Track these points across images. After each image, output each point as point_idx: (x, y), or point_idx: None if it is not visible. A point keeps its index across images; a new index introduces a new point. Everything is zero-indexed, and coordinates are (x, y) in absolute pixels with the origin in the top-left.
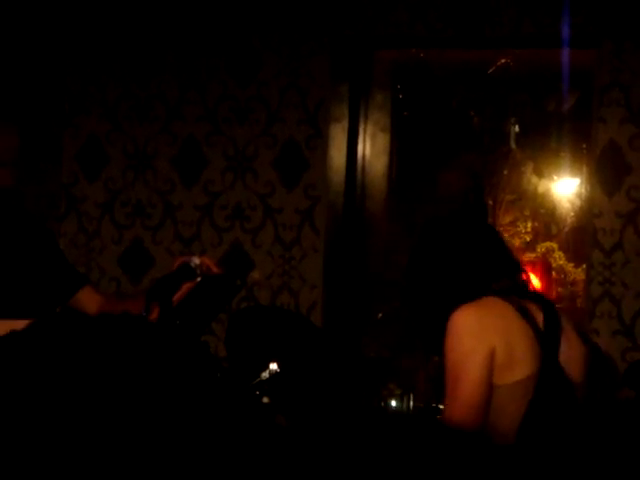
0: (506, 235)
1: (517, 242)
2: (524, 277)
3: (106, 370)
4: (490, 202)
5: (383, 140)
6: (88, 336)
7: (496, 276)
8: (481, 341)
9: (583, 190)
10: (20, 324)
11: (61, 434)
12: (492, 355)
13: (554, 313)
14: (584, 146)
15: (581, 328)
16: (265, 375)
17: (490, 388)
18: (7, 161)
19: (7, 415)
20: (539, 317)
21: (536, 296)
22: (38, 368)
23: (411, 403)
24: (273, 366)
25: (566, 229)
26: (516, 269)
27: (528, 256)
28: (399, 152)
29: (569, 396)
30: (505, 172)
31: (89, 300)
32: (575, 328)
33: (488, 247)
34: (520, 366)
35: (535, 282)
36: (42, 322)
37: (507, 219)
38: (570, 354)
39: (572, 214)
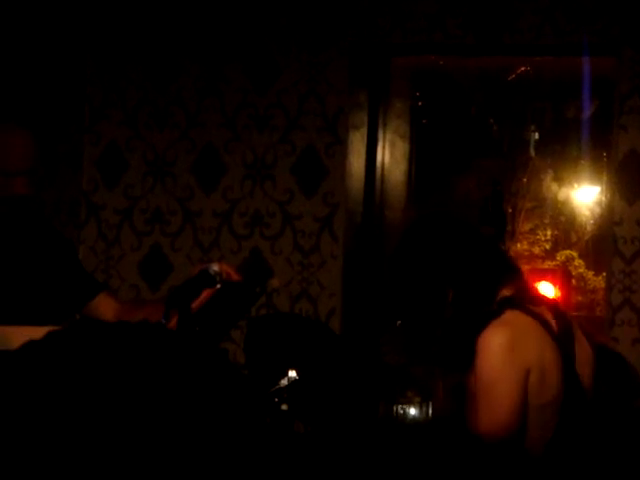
0: (525, 243)
1: (537, 250)
2: (525, 279)
3: (123, 378)
4: (510, 210)
5: (402, 147)
6: (105, 344)
7: (500, 279)
8: (516, 362)
9: (603, 198)
10: (37, 331)
11: (78, 442)
12: (527, 376)
13: (564, 318)
14: (604, 154)
15: (589, 330)
16: (284, 382)
17: (524, 409)
18: (23, 169)
19: (23, 423)
20: (553, 325)
21: (543, 300)
22: (55, 377)
23: (430, 411)
24: (292, 373)
25: (586, 237)
26: (515, 270)
27: (548, 264)
28: (418, 159)
29: (586, 408)
30: (525, 180)
31: (106, 307)
32: (582, 330)
33: (483, 251)
34: (550, 386)
35: (552, 290)
36: (59, 331)
37: (527, 227)
38: (582, 360)
39: (592, 222)
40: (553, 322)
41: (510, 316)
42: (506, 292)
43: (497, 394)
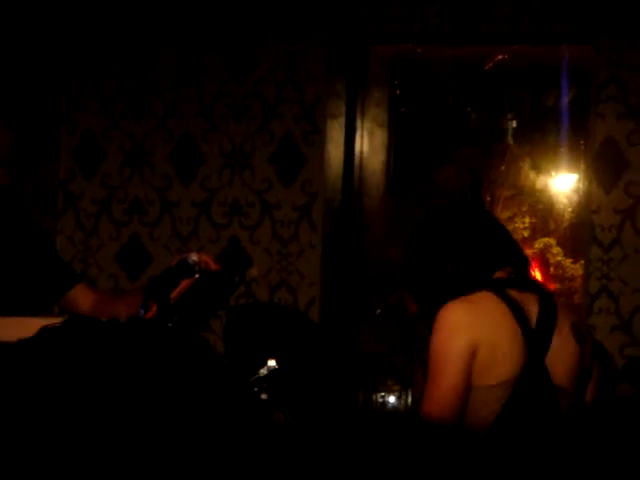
0: None
1: (515, 238)
2: (526, 267)
3: (107, 370)
4: (488, 198)
5: (380, 136)
6: (95, 340)
7: (499, 264)
8: (464, 338)
9: (581, 186)
10: (14, 322)
11: (66, 430)
12: (474, 354)
13: (551, 307)
14: (582, 142)
15: (586, 326)
16: (263, 372)
17: (468, 387)
18: (2, 161)
19: (15, 418)
20: (534, 313)
21: (536, 287)
22: (40, 374)
23: (409, 399)
24: (271, 363)
25: (564, 225)
26: (520, 257)
27: (526, 252)
28: (396, 148)
29: (549, 402)
30: (503, 168)
31: (83, 297)
32: (573, 325)
33: (489, 234)
34: (499, 370)
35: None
36: (52, 328)
37: (505, 215)
38: (560, 355)
39: (570, 210)
40: (534, 310)
41: (476, 295)
42: (500, 275)
43: (439, 367)
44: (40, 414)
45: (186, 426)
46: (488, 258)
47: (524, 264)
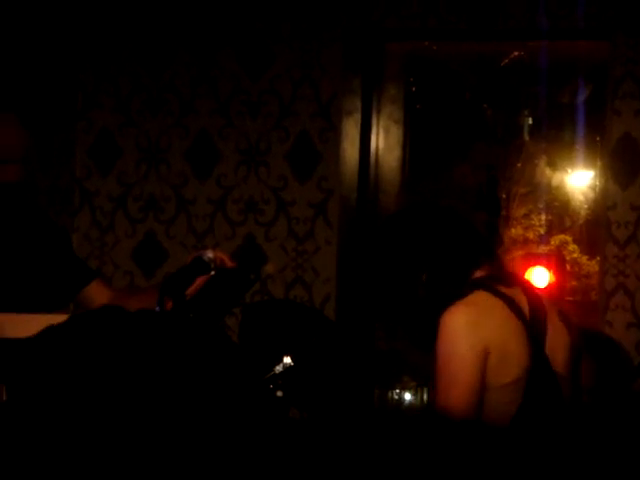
0: (520, 228)
1: (531, 235)
2: (501, 260)
3: (119, 366)
4: (504, 195)
5: (396, 133)
6: (117, 331)
7: (475, 261)
8: (474, 342)
9: (597, 182)
10: (32, 318)
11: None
12: (486, 355)
13: (538, 300)
14: (598, 138)
15: (567, 312)
16: (279, 369)
17: (482, 390)
18: (12, 158)
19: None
20: (524, 305)
21: (518, 281)
22: (71, 364)
23: (425, 396)
24: (287, 360)
25: (580, 222)
26: (491, 252)
27: (542, 249)
28: (412, 145)
29: (555, 392)
30: (519, 165)
31: (99, 294)
32: (559, 314)
33: (460, 231)
34: (513, 366)
35: (546, 275)
36: (79, 316)
37: (521, 212)
38: (555, 344)
39: (586, 207)
40: (525, 304)
41: (475, 296)
42: (479, 274)
43: (453, 372)
44: (46, 410)
45: (198, 421)
46: (464, 259)
47: (496, 258)
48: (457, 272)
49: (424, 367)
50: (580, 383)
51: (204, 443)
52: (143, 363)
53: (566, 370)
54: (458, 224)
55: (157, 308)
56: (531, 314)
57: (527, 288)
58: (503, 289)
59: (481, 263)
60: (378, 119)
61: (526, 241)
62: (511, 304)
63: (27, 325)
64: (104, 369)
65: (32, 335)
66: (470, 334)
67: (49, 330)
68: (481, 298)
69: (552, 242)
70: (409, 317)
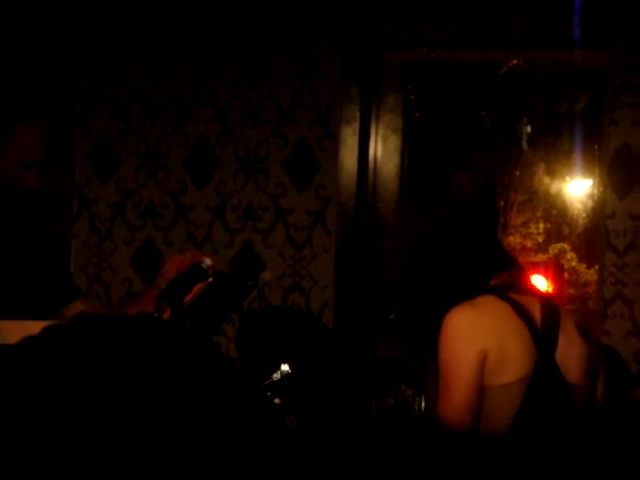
0: (518, 236)
1: (529, 243)
2: (521, 272)
3: (117, 372)
4: (502, 203)
5: (394, 141)
6: (103, 338)
7: (492, 271)
8: (473, 342)
9: (595, 191)
10: (17, 325)
11: (73, 436)
12: (484, 357)
13: (553, 309)
14: (596, 147)
15: (588, 326)
16: (276, 376)
17: (481, 390)
18: (36, 160)
19: (22, 420)
20: (537, 314)
21: (534, 292)
22: (53, 372)
23: (422, 404)
24: (284, 367)
25: (578, 230)
26: (512, 263)
27: (540, 257)
28: (410, 153)
29: (564, 398)
30: (517, 173)
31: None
32: (577, 326)
33: (481, 243)
34: (512, 369)
35: (544, 283)
36: (56, 326)
37: (519, 220)
38: (568, 353)
39: (584, 215)
40: (537, 311)
41: (480, 299)
42: (494, 282)
43: (453, 370)
44: (43, 414)
45: (196, 429)
46: (482, 266)
47: (516, 268)
48: (473, 281)
49: (421, 374)
50: (595, 395)
51: (196, 451)
52: (128, 371)
53: (581, 380)
54: (476, 237)
55: (155, 315)
56: (542, 322)
57: (543, 298)
58: (514, 296)
59: (497, 273)
60: (377, 127)
61: (524, 249)
62: (519, 309)
63: (16, 331)
64: (85, 378)
65: (11, 344)
66: (469, 335)
67: (27, 341)
68: (486, 300)
69: (550, 250)
70: (424, 323)
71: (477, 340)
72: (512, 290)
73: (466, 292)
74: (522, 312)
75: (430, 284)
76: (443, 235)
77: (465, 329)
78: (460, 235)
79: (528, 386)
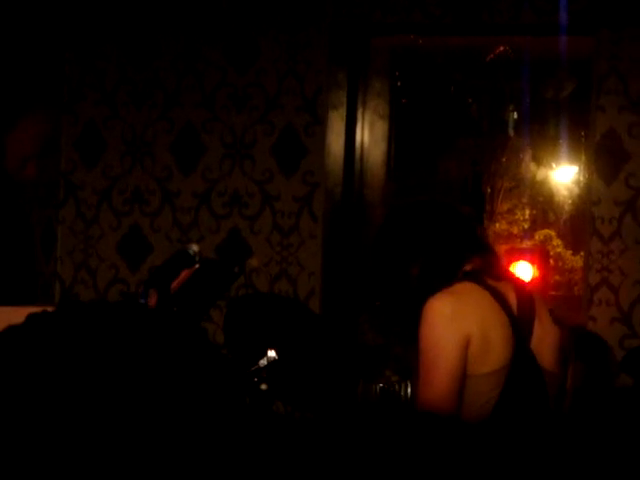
0: (504, 222)
1: (515, 229)
2: (495, 257)
3: (104, 360)
4: (488, 189)
5: (381, 127)
6: (87, 325)
7: (466, 254)
8: (456, 330)
9: (581, 178)
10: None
11: (63, 424)
12: (467, 344)
13: (527, 295)
14: (582, 134)
15: (561, 311)
16: (263, 362)
17: (463, 378)
18: (34, 152)
19: (10, 412)
20: (513, 300)
21: (509, 277)
22: (35, 362)
23: (409, 390)
24: (271, 353)
25: (564, 217)
26: (486, 248)
27: (526, 243)
28: (397, 139)
29: (539, 385)
30: (503, 159)
31: None
32: (549, 310)
33: (456, 224)
34: (494, 357)
35: (530, 269)
36: (40, 314)
37: (505, 207)
38: (543, 339)
39: (570, 202)
40: (513, 298)
41: (460, 286)
42: (470, 267)
43: (434, 358)
44: (30, 405)
45: (183, 415)
46: (455, 250)
47: (491, 254)
48: (448, 264)
49: (407, 360)
50: (565, 383)
51: (182, 437)
52: (114, 359)
53: (554, 367)
54: (452, 219)
55: (142, 301)
56: (518, 309)
57: (518, 284)
58: (491, 282)
59: (472, 257)
60: (363, 113)
61: (510, 235)
62: (497, 296)
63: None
64: (72, 367)
65: None
66: (451, 322)
67: (9, 330)
68: (466, 288)
69: (536, 237)
70: (399, 307)
71: (460, 327)
72: (487, 275)
73: (440, 274)
74: (500, 299)
75: (398, 259)
76: (417, 211)
77: (446, 316)
78: (434, 212)
79: (507, 374)
